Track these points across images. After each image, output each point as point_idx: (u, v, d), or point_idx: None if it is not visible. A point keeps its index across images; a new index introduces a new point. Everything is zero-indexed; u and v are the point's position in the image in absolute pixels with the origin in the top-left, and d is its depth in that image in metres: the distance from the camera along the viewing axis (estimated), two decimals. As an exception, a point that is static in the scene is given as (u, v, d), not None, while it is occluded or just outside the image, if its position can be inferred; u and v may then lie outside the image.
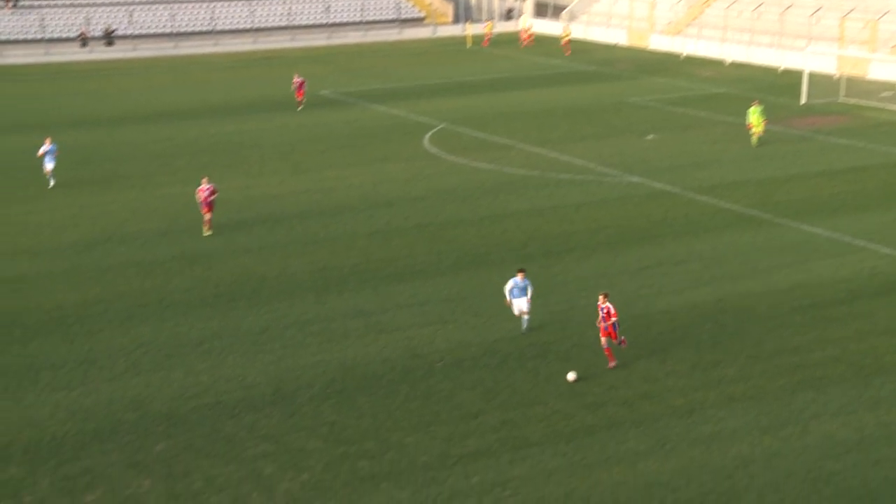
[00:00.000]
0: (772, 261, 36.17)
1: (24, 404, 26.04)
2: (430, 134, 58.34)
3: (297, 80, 67.77)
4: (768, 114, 55.75)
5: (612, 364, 27.76)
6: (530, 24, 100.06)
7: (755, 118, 53.32)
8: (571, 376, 26.84)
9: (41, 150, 46.98)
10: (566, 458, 23.20)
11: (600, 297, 27.85)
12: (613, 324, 27.60)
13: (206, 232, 39.82)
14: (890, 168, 49.24)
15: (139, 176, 49.76)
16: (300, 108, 66.23)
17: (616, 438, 24.05)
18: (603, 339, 27.86)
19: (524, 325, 29.93)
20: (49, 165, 47.05)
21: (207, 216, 40.00)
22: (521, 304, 29.65)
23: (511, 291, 29.56)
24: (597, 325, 28.16)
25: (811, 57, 70.00)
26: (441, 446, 23.79)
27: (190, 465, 23.03)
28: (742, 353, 28.62)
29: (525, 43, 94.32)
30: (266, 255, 37.67)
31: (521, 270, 29.81)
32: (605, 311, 27.54)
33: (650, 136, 57.12)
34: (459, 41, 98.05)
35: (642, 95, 69.64)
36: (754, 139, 53.50)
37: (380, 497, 21.71)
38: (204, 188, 39.93)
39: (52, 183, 47.05)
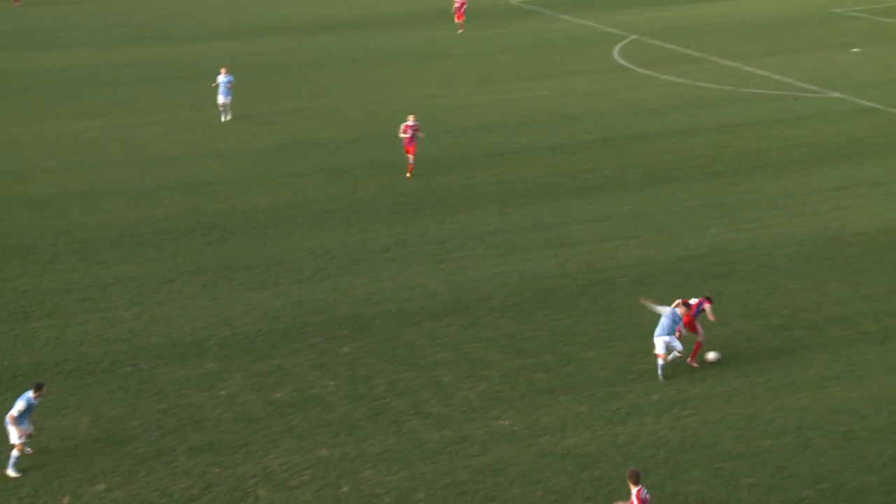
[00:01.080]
0: (982, 183, 33.98)
1: (220, 302, 27.33)
2: (620, 46, 57.04)
3: (459, 1, 63.55)
4: None
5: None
6: None
7: None
8: (711, 356, 23.36)
9: (217, 81, 43.73)
10: (749, 379, 22.68)
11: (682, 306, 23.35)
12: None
13: (408, 174, 36.48)
14: None
15: (331, 83, 50.77)
16: (460, 31, 62.56)
17: (802, 362, 23.33)
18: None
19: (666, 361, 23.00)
20: (224, 98, 43.72)
21: (411, 158, 36.32)
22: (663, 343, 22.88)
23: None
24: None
25: None
26: (621, 362, 23.66)
27: (373, 368, 23.74)
28: (944, 280, 27.15)
29: None
30: (450, 165, 37.95)
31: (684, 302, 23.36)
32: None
33: (855, 50, 54.06)
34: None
35: (849, 5, 65.84)
36: None
37: (557, 409, 21.84)
38: (410, 125, 36.28)
39: (224, 118, 43.99)
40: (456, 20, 63.15)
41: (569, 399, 22.23)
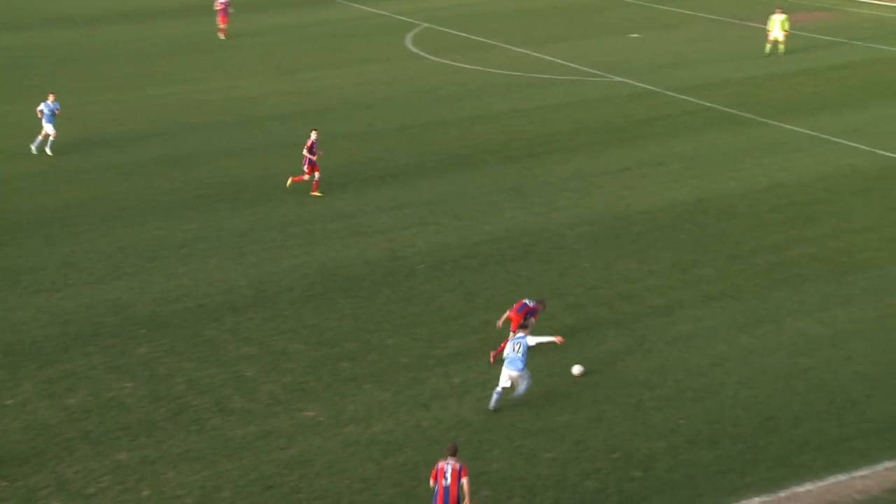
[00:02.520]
0: (752, 160, 36.21)
1: (5, 307, 26.04)
2: (412, 34, 57.60)
3: (220, 1, 56.64)
4: (756, 10, 55.15)
5: None
6: None
7: (778, 26, 50.04)
8: (577, 370, 22.75)
9: (40, 108, 37.41)
10: (547, 357, 23.43)
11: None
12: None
13: (317, 193, 33.28)
14: (871, 65, 49.05)
15: (118, 77, 49.11)
16: (222, 36, 56.60)
17: (595, 338, 24.31)
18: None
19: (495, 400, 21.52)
20: (50, 128, 37.20)
21: (315, 176, 33.19)
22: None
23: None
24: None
25: (798, -48, 69.00)
26: (422, 348, 24.02)
27: (172, 367, 23.21)
28: (721, 253, 28.82)
29: None
30: (247, 157, 37.43)
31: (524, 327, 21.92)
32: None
33: (633, 35, 56.54)
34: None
35: (627, -7, 68.78)
36: (780, 47, 50.48)
37: (362, 398, 21.98)
38: (314, 140, 33.14)
39: (48, 151, 37.40)
40: (218, 23, 57.10)
41: (373, 387, 22.41)
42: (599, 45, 54.28)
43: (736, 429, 20.63)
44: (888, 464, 19.41)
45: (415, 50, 53.87)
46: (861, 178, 34.23)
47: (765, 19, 57.96)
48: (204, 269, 28.30)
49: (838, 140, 38.09)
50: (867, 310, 25.33)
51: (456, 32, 57.69)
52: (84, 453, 20.01)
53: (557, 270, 27.86)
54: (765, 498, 18.63)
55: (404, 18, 61.67)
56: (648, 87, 45.82)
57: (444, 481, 17.21)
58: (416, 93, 45.63)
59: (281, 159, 37.05)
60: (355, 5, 66.41)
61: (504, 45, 54.27)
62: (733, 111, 41.96)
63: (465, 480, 17.20)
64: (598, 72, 48.51)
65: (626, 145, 38.15)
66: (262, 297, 26.64)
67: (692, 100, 43.69)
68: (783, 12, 51.50)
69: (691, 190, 33.56)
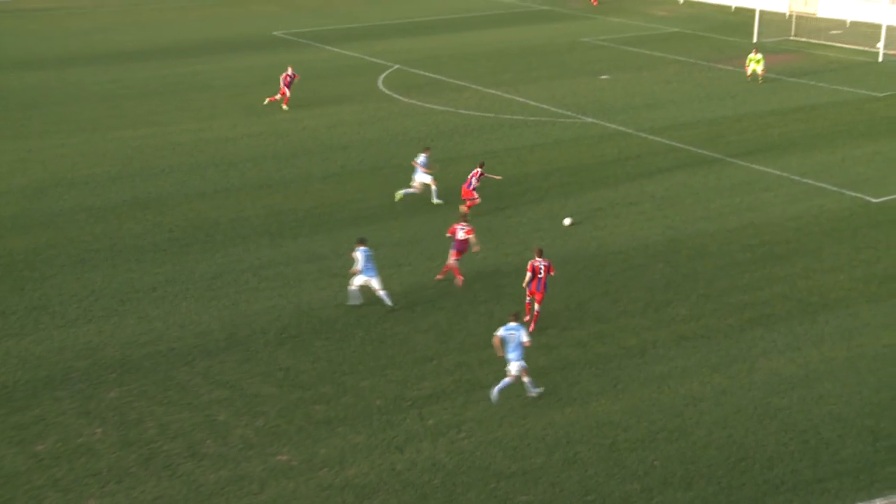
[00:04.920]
0: (723, 200, 36.52)
1: (-25, 353, 25.79)
2: (384, 75, 57.86)
3: (289, 73, 50.96)
4: (725, 53, 55.84)
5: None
6: None
7: (756, 63, 54.66)
8: (567, 221, 25.97)
9: (420, 163, 36.72)
10: (520, 399, 23.42)
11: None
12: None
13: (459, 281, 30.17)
14: (838, 106, 49.71)
15: (88, 119, 48.95)
16: (267, 101, 50.73)
17: (569, 379, 24.32)
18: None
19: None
20: (424, 178, 36.67)
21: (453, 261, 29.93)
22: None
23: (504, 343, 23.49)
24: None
25: (764, -5, 70.30)
26: (396, 389, 23.93)
27: (143, 412, 23.00)
28: (693, 293, 28.96)
29: None
30: (220, 199, 37.34)
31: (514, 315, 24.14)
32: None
33: (604, 77, 57.07)
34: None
35: (596, 35, 69.43)
36: (759, 79, 54.62)
37: (336, 441, 21.85)
38: (459, 227, 29.68)
39: (436, 199, 36.62)
40: (281, 94, 51.03)
41: (346, 430, 22.29)
42: (570, 86, 54.73)
43: (710, 470, 20.64)
44: (862, 504, 19.49)
45: (387, 91, 54.10)
46: (830, 219, 34.59)
47: (733, 62, 58.87)
48: (176, 311, 28.13)
49: (807, 180, 38.52)
50: (838, 349, 25.50)
51: (427, 74, 58.03)
52: (53, 501, 19.74)
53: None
54: (740, 539, 18.62)
55: (376, 60, 61.97)
56: (619, 127, 46.21)
57: (539, 274, 26.06)
58: (388, 134, 45.78)
59: (254, 201, 37.01)
60: (327, 47, 66.70)
61: (475, 87, 54.63)
62: (703, 151, 42.37)
63: (552, 273, 25.99)
64: (569, 113, 48.89)
65: (599, 185, 38.40)
66: (235, 339, 26.49)
67: (663, 140, 44.09)
68: (758, 52, 55.42)
69: (663, 230, 33.78)
